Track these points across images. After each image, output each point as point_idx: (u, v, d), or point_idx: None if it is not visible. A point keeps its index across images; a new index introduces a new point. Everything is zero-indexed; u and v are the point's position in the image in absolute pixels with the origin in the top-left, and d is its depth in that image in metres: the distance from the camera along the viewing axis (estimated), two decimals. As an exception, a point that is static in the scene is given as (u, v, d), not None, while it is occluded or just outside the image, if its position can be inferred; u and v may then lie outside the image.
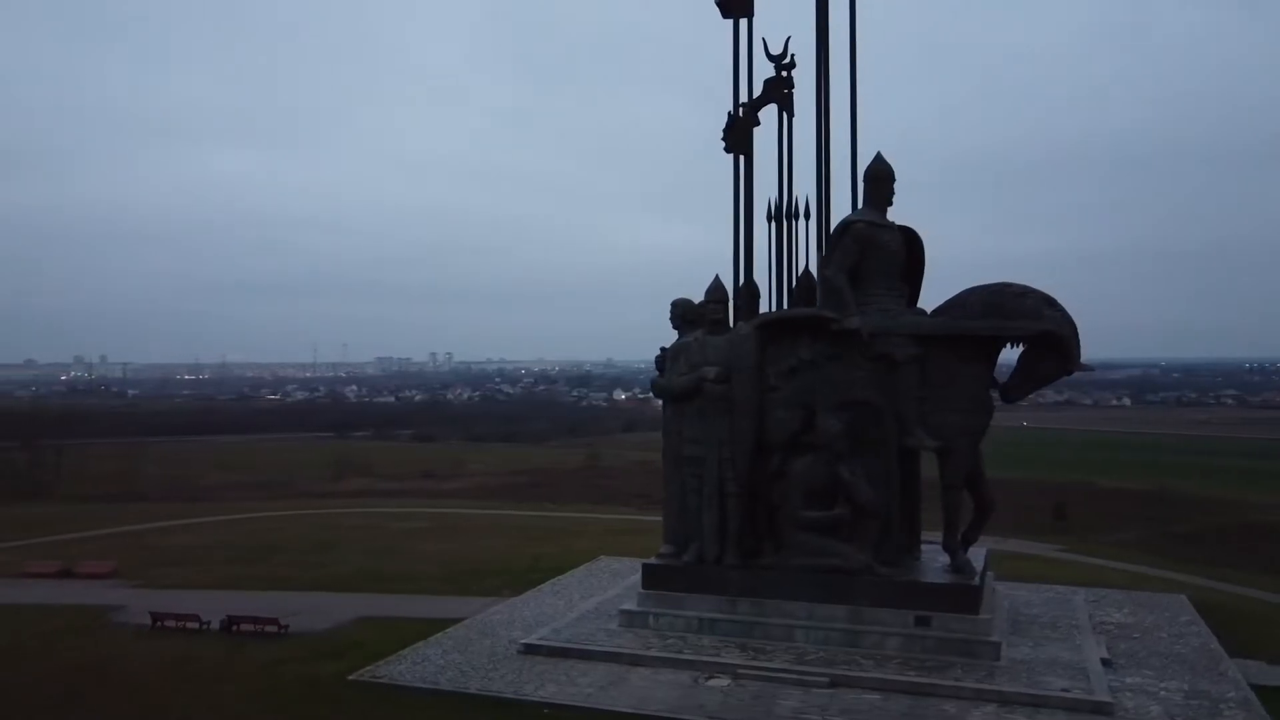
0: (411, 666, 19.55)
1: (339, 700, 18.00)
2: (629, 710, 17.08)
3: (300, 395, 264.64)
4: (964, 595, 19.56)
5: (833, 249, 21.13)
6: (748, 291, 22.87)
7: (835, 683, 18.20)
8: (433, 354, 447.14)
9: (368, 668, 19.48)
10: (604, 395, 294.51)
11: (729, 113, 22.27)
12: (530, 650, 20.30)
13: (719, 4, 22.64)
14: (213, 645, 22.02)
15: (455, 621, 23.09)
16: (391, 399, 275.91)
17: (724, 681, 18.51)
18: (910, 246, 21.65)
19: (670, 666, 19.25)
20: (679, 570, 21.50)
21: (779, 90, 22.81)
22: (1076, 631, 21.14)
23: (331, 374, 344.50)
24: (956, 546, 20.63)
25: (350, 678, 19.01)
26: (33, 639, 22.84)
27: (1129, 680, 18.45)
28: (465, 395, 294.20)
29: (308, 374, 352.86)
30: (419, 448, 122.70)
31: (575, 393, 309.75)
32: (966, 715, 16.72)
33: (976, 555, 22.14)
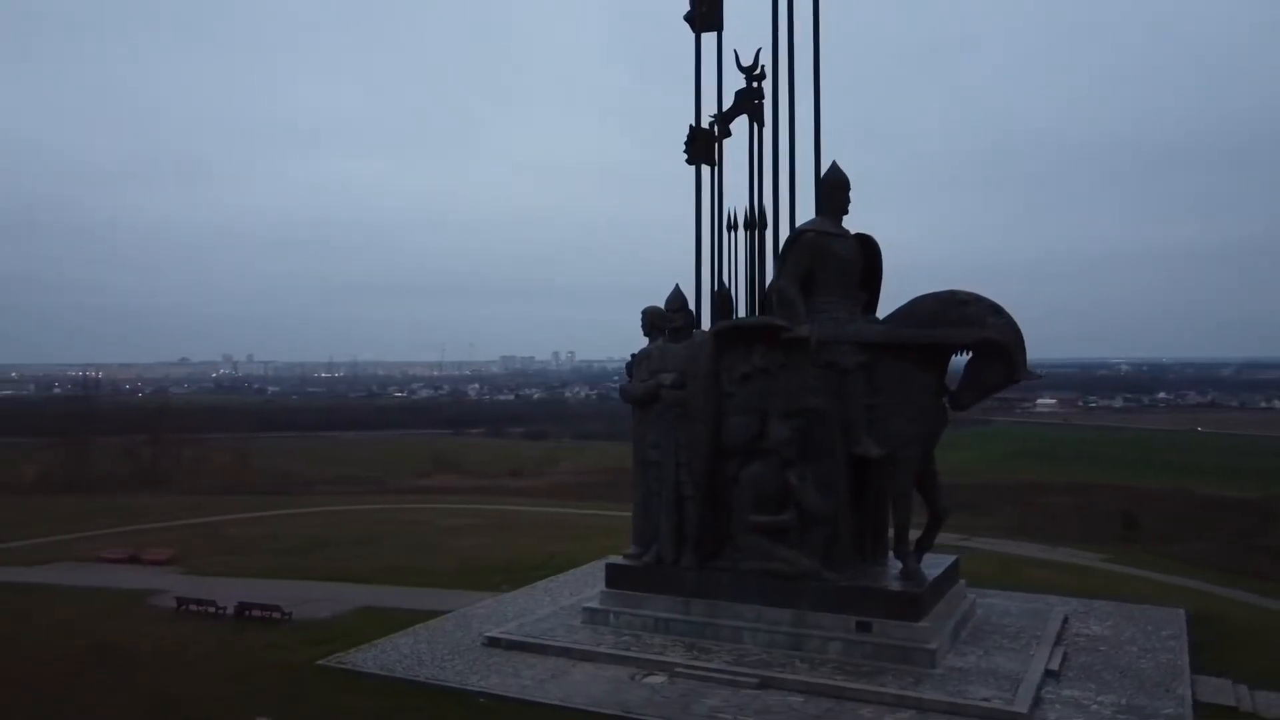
0: (378, 654, 20.90)
1: (300, 682, 19.46)
2: (554, 703, 17.96)
3: (425, 393, 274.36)
4: (905, 602, 19.67)
5: (784, 258, 21.48)
6: (720, 299, 23.38)
7: (765, 684, 18.64)
8: (555, 353, 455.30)
9: (337, 654, 20.93)
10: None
11: (690, 125, 22.81)
12: (492, 643, 21.42)
13: (689, 20, 23.19)
14: (219, 629, 23.93)
15: (443, 614, 24.44)
16: (511, 397, 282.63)
17: (659, 679, 19.18)
18: (867, 254, 21.78)
19: (615, 663, 20.04)
20: (639, 571, 22.25)
21: (750, 101, 23.23)
22: (1036, 642, 20.90)
23: (457, 372, 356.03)
24: (907, 553, 20.71)
25: (318, 663, 20.49)
26: (69, 618, 25.23)
27: (1066, 693, 18.26)
28: (582, 393, 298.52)
29: (435, 373, 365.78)
30: (525, 445, 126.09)
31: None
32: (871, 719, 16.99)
33: (937, 562, 22.16)
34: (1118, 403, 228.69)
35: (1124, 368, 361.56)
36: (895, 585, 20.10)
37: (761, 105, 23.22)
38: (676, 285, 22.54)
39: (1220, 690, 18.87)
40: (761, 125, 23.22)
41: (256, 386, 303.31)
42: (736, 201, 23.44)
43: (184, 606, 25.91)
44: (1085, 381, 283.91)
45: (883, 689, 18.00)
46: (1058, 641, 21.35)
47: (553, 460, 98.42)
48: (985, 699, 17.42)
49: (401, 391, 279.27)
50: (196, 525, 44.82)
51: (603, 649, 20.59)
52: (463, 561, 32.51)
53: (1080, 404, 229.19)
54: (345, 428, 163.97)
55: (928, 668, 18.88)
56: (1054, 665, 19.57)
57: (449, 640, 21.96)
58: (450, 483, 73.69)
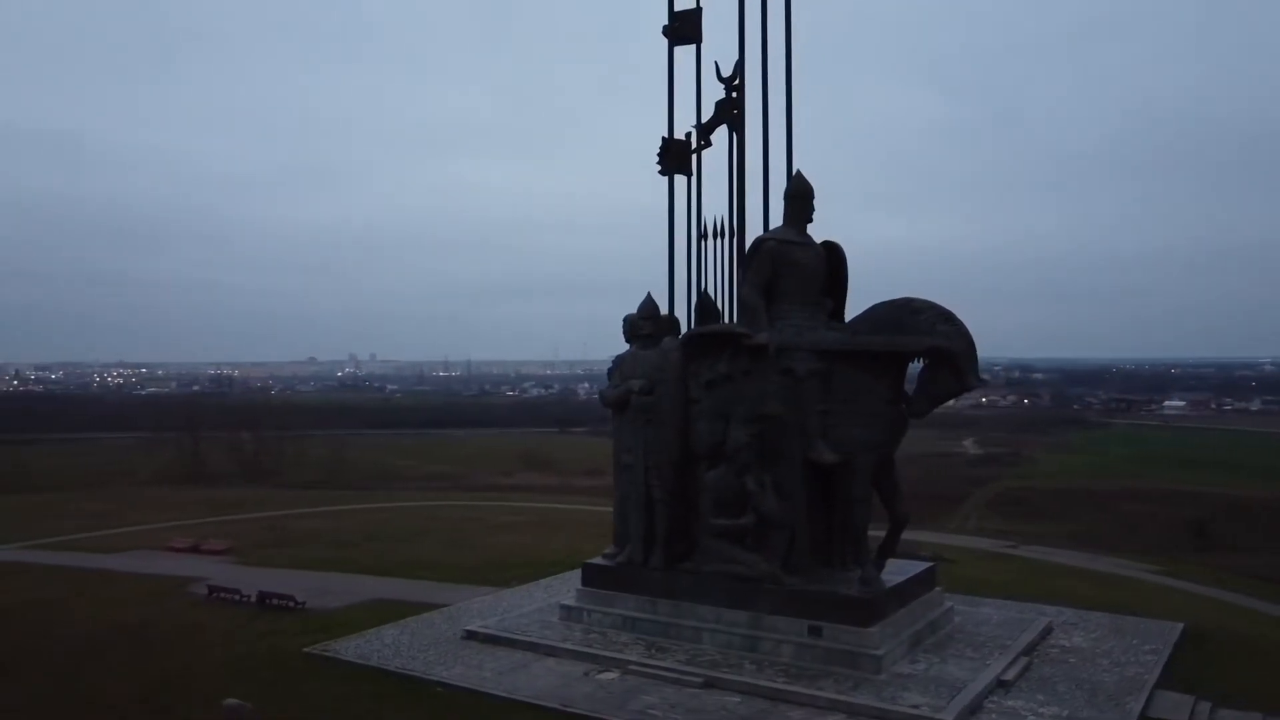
0: (361, 644, 22.21)
1: (283, 667, 20.87)
2: (501, 694, 18.86)
3: (536, 392, 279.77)
4: (855, 607, 19.82)
5: (747, 267, 21.84)
6: (701, 306, 23.87)
7: (709, 684, 19.13)
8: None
9: (325, 642, 22.33)
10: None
11: (663, 137, 23.36)
12: (470, 636, 22.49)
13: (667, 34, 23.74)
14: (238, 615, 25.69)
15: (442, 607, 25.67)
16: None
17: (612, 676, 19.87)
18: (833, 261, 21.95)
19: (576, 659, 20.82)
20: (612, 571, 22.97)
21: (729, 111, 23.64)
22: (999, 652, 20.71)
23: (568, 371, 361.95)
24: (865, 559, 20.80)
25: (305, 650, 21.91)
26: (112, 601, 27.50)
27: (1010, 703, 18.17)
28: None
29: (548, 371, 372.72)
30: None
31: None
32: (800, 722, 17.31)
33: (904, 568, 22.16)
34: (1255, 405, 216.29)
35: (1268, 367, 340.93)
36: (848, 591, 20.22)
37: (741, 115, 23.57)
38: (648, 294, 23.16)
39: (1178, 706, 18.43)
40: (740, 135, 23.58)
41: (376, 385, 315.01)
42: (712, 210, 23.70)
43: (214, 594, 27.87)
44: (1223, 383, 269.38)
45: (819, 693, 18.27)
46: (1027, 652, 21.09)
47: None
48: (915, 706, 17.51)
49: (513, 390, 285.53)
50: (271, 518, 47.59)
51: (567, 645, 21.40)
52: (489, 558, 33.78)
53: (1214, 406, 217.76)
54: (453, 425, 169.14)
55: (872, 673, 19.01)
56: (1009, 675, 19.43)
57: (433, 632, 23.13)
58: (529, 480, 75.76)
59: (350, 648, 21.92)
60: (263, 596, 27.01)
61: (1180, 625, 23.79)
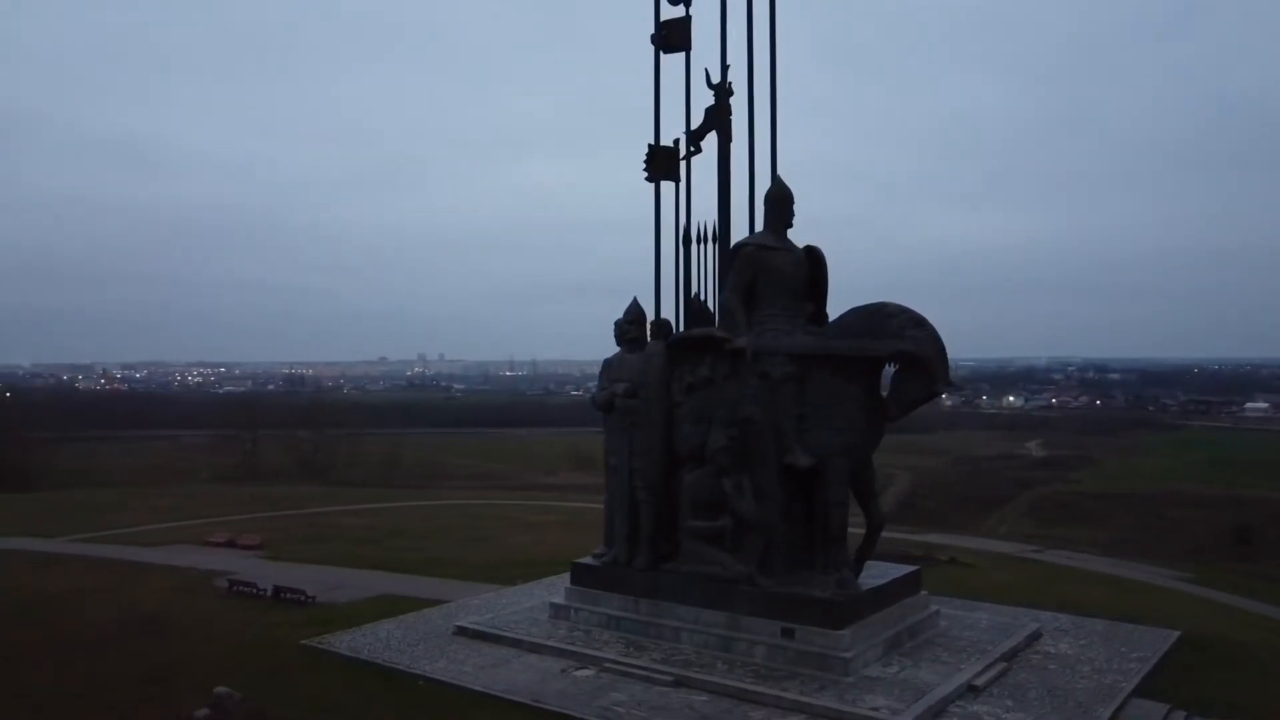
0: (356, 637, 23.01)
1: (277, 658, 21.72)
2: (478, 689, 19.44)
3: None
4: (826, 610, 19.97)
5: (728, 272, 22.10)
6: (698, 311, 24.16)
7: (679, 682, 19.48)
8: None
9: (322, 635, 23.18)
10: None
11: (649, 144, 23.71)
12: (460, 632, 23.14)
13: (657, 43, 24.08)
14: (251, 608, 26.72)
15: (442, 604, 26.39)
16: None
17: (589, 673, 20.34)
18: (813, 265, 22.08)
19: (557, 656, 21.33)
20: (599, 570, 23.43)
21: (718, 117, 23.91)
22: (978, 657, 20.66)
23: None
24: (842, 563, 20.91)
25: (301, 642, 22.79)
26: (135, 592, 28.77)
27: (975, 708, 18.19)
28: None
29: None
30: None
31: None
32: (758, 722, 17.56)
33: (887, 571, 22.21)
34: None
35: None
36: (821, 593, 20.36)
37: (729, 121, 23.82)
38: (634, 299, 23.56)
39: (1150, 714, 18.25)
40: (729, 141, 23.84)
41: (443, 384, 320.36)
42: (703, 215, 24.06)
43: (234, 588, 29.02)
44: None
45: (783, 694, 18.49)
46: (1008, 657, 20.99)
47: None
48: (875, 709, 17.63)
49: (577, 390, 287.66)
50: (313, 514, 49.13)
51: (551, 642, 21.91)
52: (505, 556, 34.49)
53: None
54: (514, 424, 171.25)
55: (841, 676, 19.15)
56: (980, 681, 19.39)
57: (427, 628, 23.82)
58: (572, 480, 76.55)
59: (344, 641, 22.73)
60: (277, 590, 28.06)
61: (1176, 633, 23.37)
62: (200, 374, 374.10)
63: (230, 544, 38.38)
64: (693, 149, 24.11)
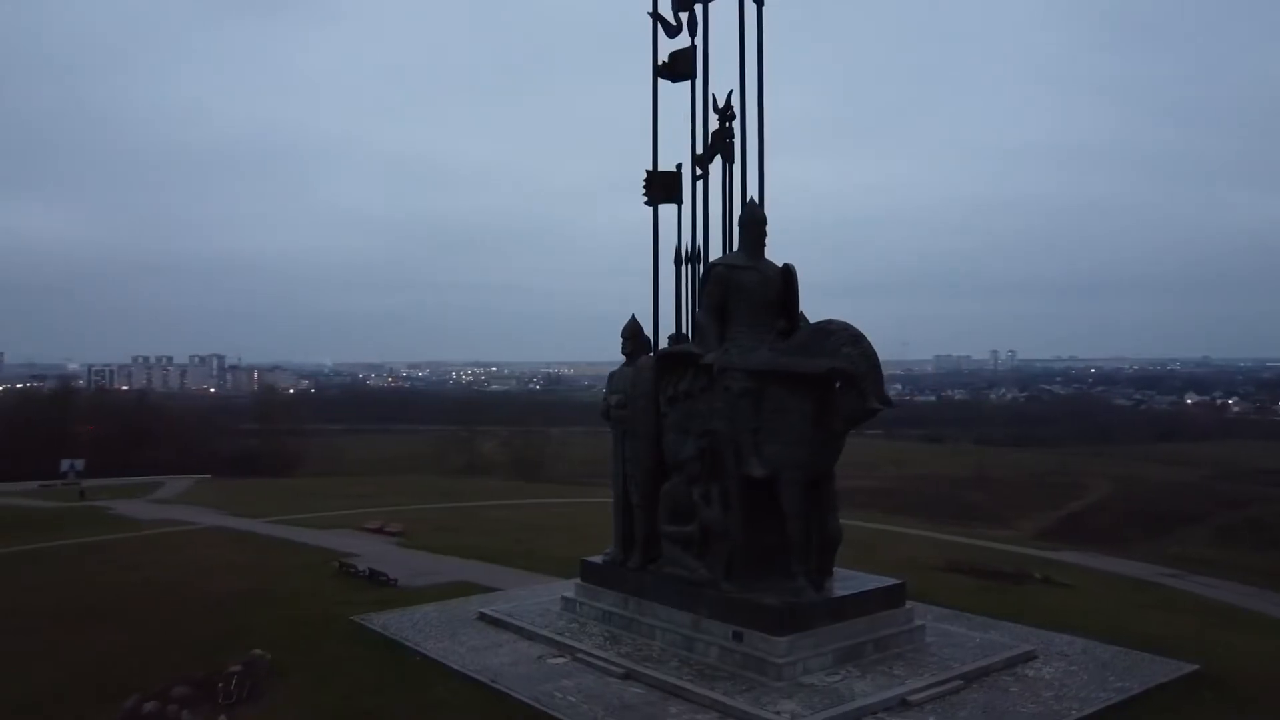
0: (393, 617, 26.03)
1: (326, 629, 25.08)
2: (455, 667, 21.82)
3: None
4: (771, 616, 20.68)
5: (702, 291, 23.19)
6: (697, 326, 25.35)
7: (628, 675, 20.96)
8: (993, 351, 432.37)
9: (369, 613, 26.45)
10: (1171, 398, 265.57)
11: (647, 170, 25.07)
12: (481, 618, 25.68)
13: (665, 73, 25.43)
14: (339, 587, 30.34)
15: (495, 591, 29.08)
16: (933, 398, 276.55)
17: (561, 660, 22.25)
18: (788, 282, 22.69)
19: (544, 644, 23.36)
20: (600, 568, 25.20)
21: (722, 141, 25.03)
22: (928, 672, 20.58)
23: (888, 372, 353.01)
24: (798, 572, 21.50)
25: (351, 617, 26.18)
26: (260, 567, 33.49)
27: (891, 722, 18.44)
28: (1009, 395, 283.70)
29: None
30: (907, 447, 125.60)
31: (1140, 394, 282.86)
32: (672, 715, 18.73)
33: (859, 582, 22.39)
34: None
35: None
36: (771, 600, 21.07)
37: (732, 144, 24.85)
38: (633, 315, 25.14)
39: (1078, 745, 17.70)
40: (732, 163, 24.88)
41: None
42: (709, 236, 25.24)
43: (342, 568, 33.24)
44: None
45: (708, 693, 19.52)
46: (973, 676, 20.72)
47: (898, 462, 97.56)
48: (779, 712, 18.34)
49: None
50: (475, 507, 53.68)
51: (545, 632, 23.95)
52: (598, 550, 36.62)
53: None
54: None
55: (774, 681, 19.87)
56: (918, 697, 19.45)
57: (460, 613, 26.51)
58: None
59: (382, 619, 25.82)
60: (371, 573, 31.90)
61: (1190, 666, 21.85)
62: (473, 373, 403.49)
63: (379, 530, 43.20)
64: (699, 172, 25.28)
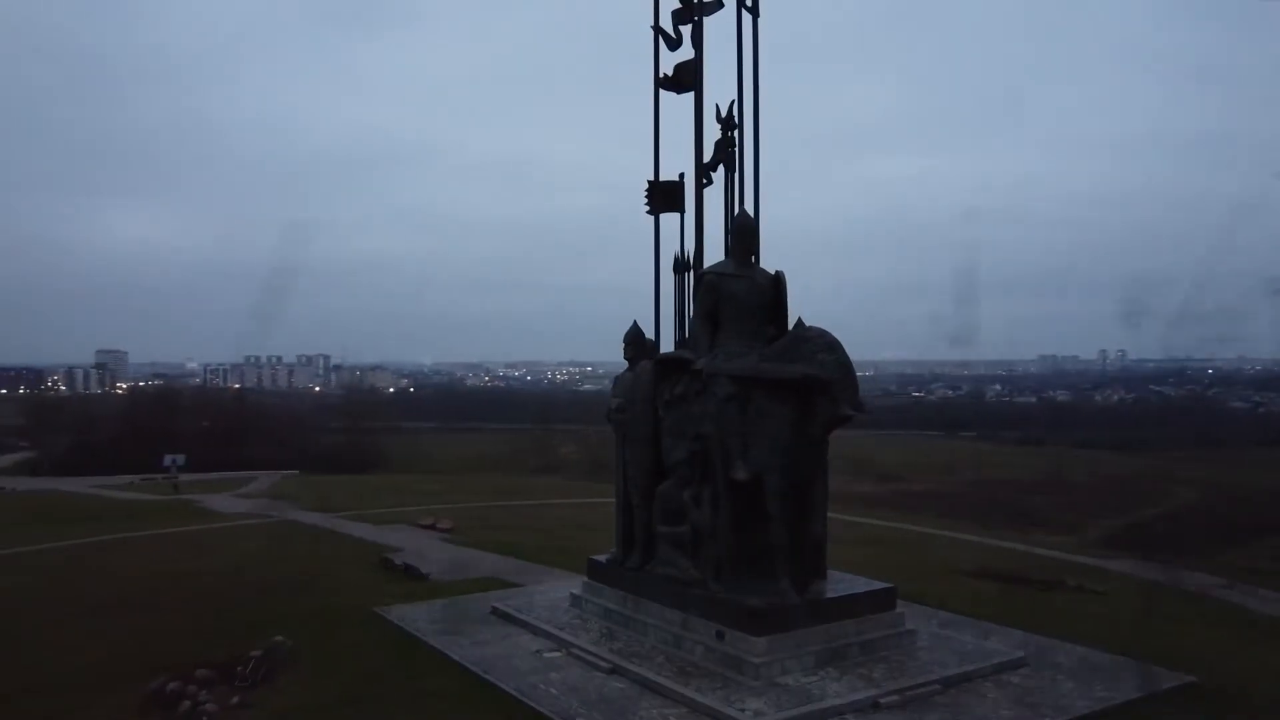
0: (411, 610, 27.19)
1: (349, 618, 26.44)
2: (455, 658, 22.90)
3: (943, 392, 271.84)
4: (751, 617, 21.13)
5: (695, 299, 23.76)
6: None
7: (613, 670, 21.69)
8: (1102, 351, 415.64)
9: (391, 605, 27.77)
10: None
11: (649, 180, 25.71)
12: (493, 612, 26.73)
13: (669, 87, 26.06)
14: (374, 579, 31.87)
15: (518, 587, 30.13)
16: (1033, 399, 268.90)
17: (556, 654, 23.13)
18: (775, 289, 23.09)
19: (545, 638, 24.25)
20: (604, 567, 25.96)
21: (724, 150, 25.57)
22: (906, 676, 20.72)
23: (985, 371, 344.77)
24: (780, 574, 21.87)
25: (372, 608, 27.54)
26: (309, 558, 35.33)
27: (854, 723, 18.75)
28: (1115, 397, 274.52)
29: (964, 371, 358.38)
30: (1004, 451, 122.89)
31: (1259, 397, 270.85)
32: (644, 710, 19.39)
33: (849, 585, 22.62)
34: None
35: None
36: (753, 601, 21.51)
37: (734, 154, 25.36)
38: (634, 322, 25.83)
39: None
40: (733, 172, 25.38)
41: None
42: (710, 244, 25.79)
43: (382, 562, 34.81)
44: None
45: (683, 690, 20.09)
46: (953, 681, 20.78)
47: (977, 465, 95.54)
48: (743, 710, 18.80)
49: (919, 391, 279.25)
50: (535, 506, 55.05)
51: (548, 627, 24.83)
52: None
53: None
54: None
55: (750, 680, 20.32)
56: (890, 700, 19.67)
57: (475, 606, 27.56)
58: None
59: (399, 611, 27.08)
60: (407, 567, 33.35)
61: (1187, 678, 21.42)
62: (567, 373, 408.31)
63: (431, 526, 44.83)
64: (704, 181, 25.84)
